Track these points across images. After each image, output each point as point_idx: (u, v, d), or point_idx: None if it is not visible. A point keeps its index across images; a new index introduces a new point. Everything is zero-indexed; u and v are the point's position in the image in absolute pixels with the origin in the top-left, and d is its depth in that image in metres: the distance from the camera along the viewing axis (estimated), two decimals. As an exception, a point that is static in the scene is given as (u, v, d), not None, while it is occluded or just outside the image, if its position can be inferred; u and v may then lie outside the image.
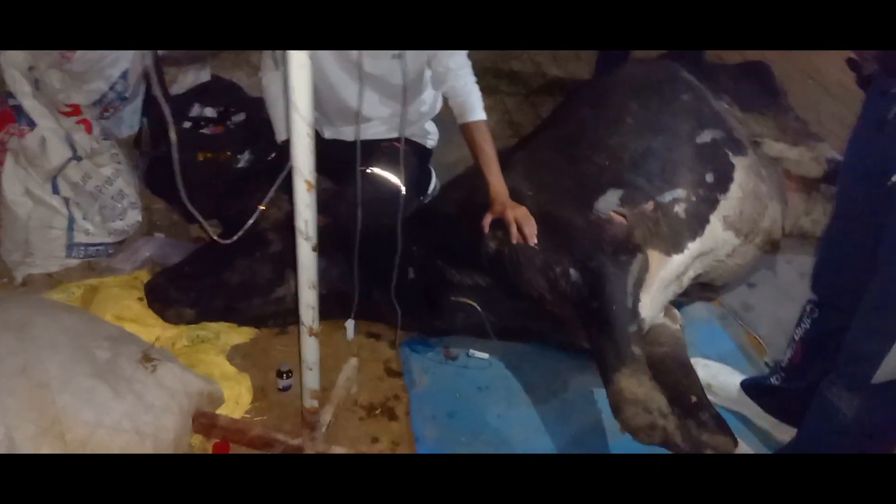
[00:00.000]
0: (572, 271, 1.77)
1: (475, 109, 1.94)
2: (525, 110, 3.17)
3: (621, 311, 1.66)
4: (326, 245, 1.75)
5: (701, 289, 2.12)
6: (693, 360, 1.85)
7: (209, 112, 2.33)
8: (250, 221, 1.45)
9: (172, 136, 1.20)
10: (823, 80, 3.56)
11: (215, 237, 1.41)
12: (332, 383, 1.70)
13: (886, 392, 1.30)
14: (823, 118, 2.94)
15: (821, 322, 1.58)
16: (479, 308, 1.85)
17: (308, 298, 1.29)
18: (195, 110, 2.31)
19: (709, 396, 1.76)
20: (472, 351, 1.89)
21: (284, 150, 1.45)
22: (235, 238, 1.42)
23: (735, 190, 2.02)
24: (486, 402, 1.79)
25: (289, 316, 1.92)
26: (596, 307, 1.68)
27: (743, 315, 2.12)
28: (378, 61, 1.93)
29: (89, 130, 2.00)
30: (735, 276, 2.15)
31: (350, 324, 1.79)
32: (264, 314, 1.90)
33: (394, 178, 1.98)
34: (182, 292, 1.85)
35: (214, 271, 1.88)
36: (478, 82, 1.97)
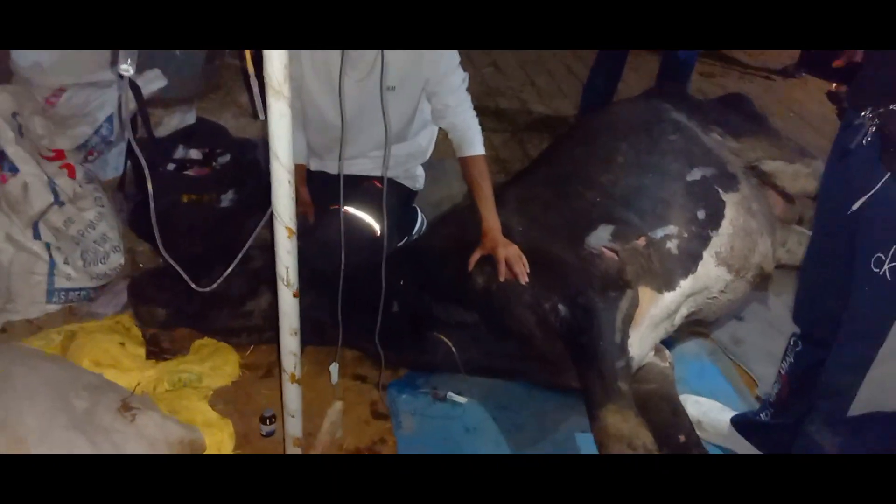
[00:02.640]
0: (561, 307, 1.76)
1: (474, 144, 1.95)
2: (512, 147, 3.19)
3: (609, 347, 1.65)
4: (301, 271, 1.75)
5: (691, 324, 2.11)
6: (683, 397, 1.83)
7: (194, 154, 2.33)
8: (229, 269, 1.43)
9: (149, 186, 1.19)
10: (804, 112, 3.62)
11: (192, 284, 1.39)
12: (317, 428, 1.67)
13: (865, 426, 1.29)
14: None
15: (804, 355, 1.57)
16: (452, 348, 1.83)
17: (290, 345, 1.27)
18: (180, 152, 2.31)
19: (699, 433, 1.75)
20: (450, 394, 1.86)
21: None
22: (214, 286, 1.40)
23: (726, 226, 2.03)
24: (475, 445, 1.75)
25: (257, 333, 1.92)
26: (584, 342, 1.67)
27: (733, 349, 2.11)
28: (371, 94, 1.94)
29: (72, 175, 2.00)
30: (727, 311, 2.14)
31: (334, 367, 1.76)
32: (232, 328, 1.92)
33: (370, 220, 1.98)
34: (158, 291, 1.90)
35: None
36: (476, 117, 1.99)
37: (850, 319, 1.31)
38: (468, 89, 2.01)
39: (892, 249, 1.19)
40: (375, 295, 1.74)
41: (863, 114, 1.24)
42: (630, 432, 1.50)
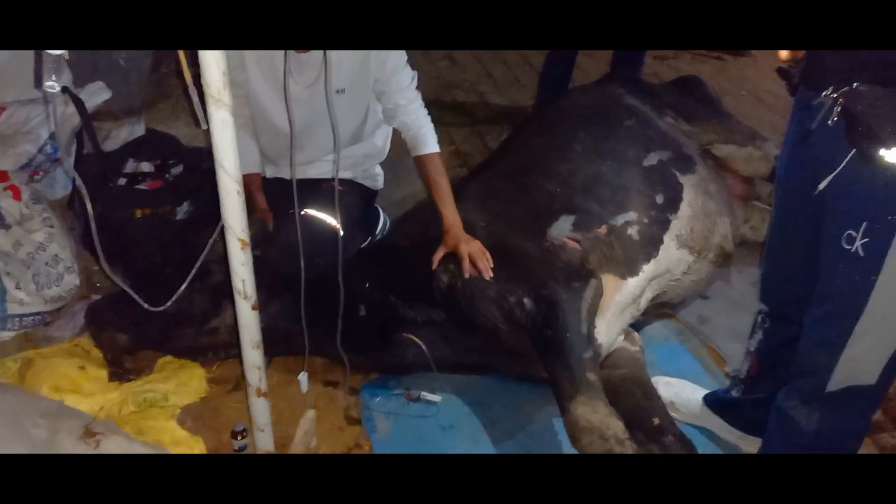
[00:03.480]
0: (526, 300, 1.76)
1: (428, 142, 1.94)
2: (472, 140, 3.18)
3: (576, 338, 1.65)
4: (264, 278, 1.72)
5: (658, 307, 2.13)
6: (655, 379, 1.84)
7: (145, 166, 2.27)
8: (182, 287, 1.39)
9: (89, 207, 1.14)
10: (756, 91, 3.67)
11: (145, 304, 1.34)
12: (290, 438, 1.64)
13: (843, 400, 1.29)
14: (759, 128, 3.02)
15: (772, 332, 1.59)
16: (423, 347, 1.81)
17: (253, 359, 1.24)
18: (130, 165, 2.25)
19: (673, 413, 1.76)
20: (423, 393, 1.84)
21: None
22: (168, 304, 1.36)
23: (685, 209, 2.05)
24: (452, 442, 1.74)
25: (224, 349, 1.88)
26: (550, 335, 1.67)
27: (700, 329, 2.13)
28: (321, 98, 1.91)
29: (17, 196, 1.93)
30: (691, 291, 2.17)
31: (303, 376, 1.73)
32: (199, 345, 1.87)
33: (331, 221, 1.95)
34: (118, 316, 1.84)
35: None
36: (427, 115, 1.97)
37: (823, 298, 1.31)
38: (419, 87, 1.98)
39: (863, 226, 1.19)
40: (344, 299, 1.72)
41: (824, 94, 1.23)
42: (600, 423, 1.50)
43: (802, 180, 1.33)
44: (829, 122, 1.23)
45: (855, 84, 1.18)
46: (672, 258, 1.99)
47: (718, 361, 2.02)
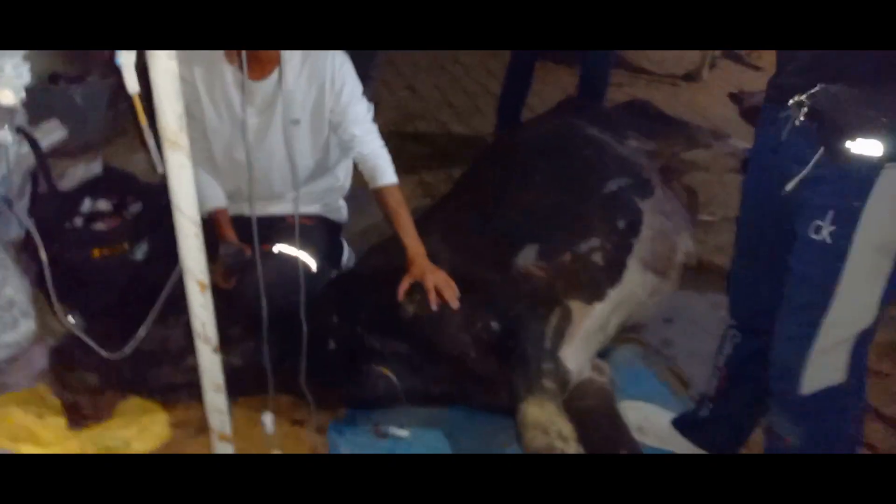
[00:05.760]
0: (493, 323, 1.78)
1: (386, 173, 1.94)
2: (435, 171, 3.20)
3: (536, 350, 1.69)
4: (238, 313, 1.69)
5: (623, 331, 2.16)
6: (622, 404, 1.85)
7: (103, 205, 2.22)
8: (140, 332, 1.35)
9: (41, 251, 1.12)
10: (708, 115, 3.78)
11: (102, 351, 1.30)
12: (256, 480, 1.60)
13: (822, 407, 1.31)
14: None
15: (742, 346, 1.61)
16: (393, 378, 1.80)
17: (215, 402, 1.21)
18: (87, 205, 2.20)
19: (641, 438, 1.78)
20: (391, 428, 1.82)
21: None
22: (126, 351, 1.32)
23: (646, 231, 2.10)
24: (422, 477, 1.72)
25: (199, 387, 1.82)
26: (512, 346, 1.69)
27: (664, 352, 2.16)
28: (276, 130, 1.90)
29: (-32, 240, 1.86)
30: (656, 313, 2.20)
31: (268, 417, 1.70)
32: (175, 384, 1.82)
33: (296, 257, 1.93)
34: (86, 355, 1.70)
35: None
36: (385, 147, 1.98)
37: (791, 292, 1.33)
38: (376, 119, 2.00)
39: (830, 214, 1.22)
40: (312, 334, 1.70)
41: (790, 102, 1.28)
42: (546, 420, 1.52)
43: (770, 190, 1.36)
44: (796, 123, 1.27)
45: (819, 85, 1.23)
46: (636, 281, 2.03)
47: (683, 384, 2.05)
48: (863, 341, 1.30)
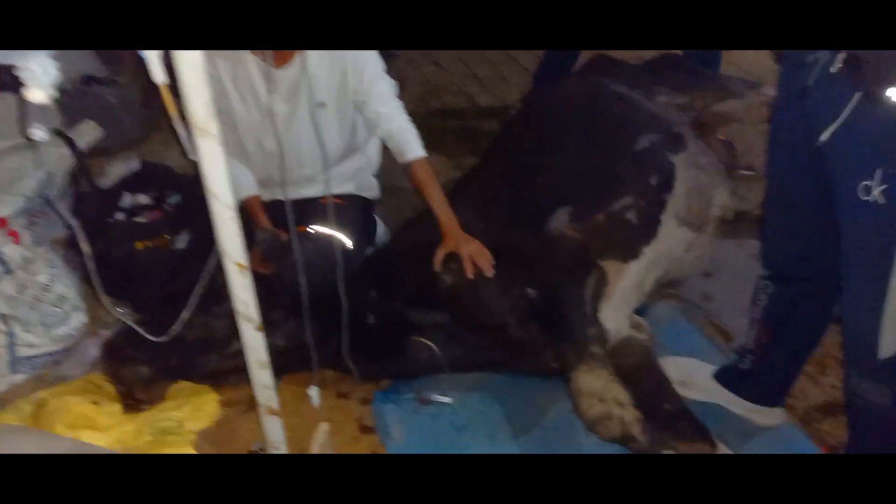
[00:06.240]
0: (530, 290, 1.78)
1: (413, 147, 1.95)
2: (464, 142, 3.19)
3: (579, 317, 1.69)
4: (280, 297, 1.74)
5: (661, 288, 2.14)
6: (664, 360, 1.85)
7: (142, 199, 2.29)
8: (184, 315, 1.40)
9: (84, 246, 1.16)
10: (738, 64, 3.67)
11: (149, 336, 1.36)
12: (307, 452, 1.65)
13: None
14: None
15: (777, 296, 1.58)
16: (435, 348, 1.82)
17: (261, 378, 1.25)
18: (127, 200, 2.27)
19: (686, 392, 1.77)
20: (434, 395, 1.85)
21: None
22: (172, 333, 1.37)
23: (679, 187, 2.06)
24: (467, 443, 1.75)
25: (246, 371, 1.88)
26: (554, 316, 1.69)
27: (705, 306, 2.13)
28: (302, 112, 1.92)
29: (18, 241, 1.95)
30: (694, 268, 2.17)
31: (314, 390, 1.75)
32: (222, 369, 1.87)
33: (340, 236, 1.97)
34: (136, 349, 1.82)
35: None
36: (411, 122, 1.98)
37: (851, 256, 1.27)
38: (402, 95, 2.00)
39: (878, 173, 1.15)
40: (352, 310, 1.73)
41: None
42: (602, 388, 1.53)
43: (800, 137, 1.31)
44: (832, 70, 1.19)
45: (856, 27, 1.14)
46: (672, 237, 2.00)
47: (725, 337, 2.03)
48: None
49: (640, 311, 1.99)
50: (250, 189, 2.06)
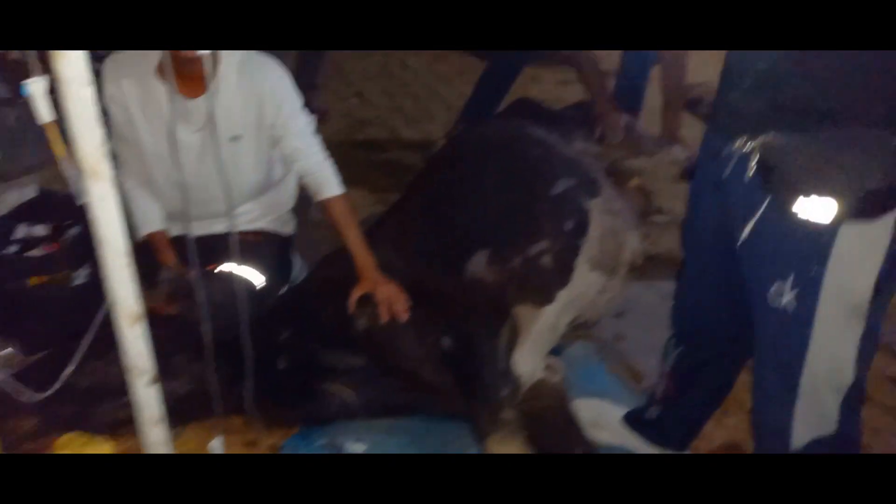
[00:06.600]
0: (445, 339, 1.76)
1: (330, 185, 1.92)
2: (386, 176, 3.19)
3: (493, 376, 1.67)
4: (184, 339, 1.65)
5: (575, 329, 2.18)
6: (576, 402, 1.87)
7: (39, 230, 2.15)
8: (68, 369, 1.30)
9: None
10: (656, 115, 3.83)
11: (30, 393, 1.25)
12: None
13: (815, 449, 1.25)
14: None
15: (686, 356, 1.62)
16: (350, 392, 1.78)
17: (155, 436, 1.17)
18: (21, 231, 2.12)
19: (597, 434, 1.79)
20: (347, 444, 1.80)
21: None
22: (50, 392, 1.28)
23: (593, 231, 2.11)
24: (381, 490, 1.70)
25: None
26: (468, 373, 1.67)
27: (616, 346, 2.18)
28: (217, 148, 1.86)
29: None
30: (606, 310, 2.22)
31: (217, 441, 1.66)
32: (119, 419, 1.73)
33: (248, 275, 1.90)
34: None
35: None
36: (333, 155, 1.95)
37: (761, 355, 1.28)
38: (323, 128, 1.98)
39: (790, 280, 1.16)
40: (262, 353, 1.67)
41: (737, 143, 1.21)
42: None
43: (716, 225, 1.33)
44: (747, 176, 1.19)
45: (770, 134, 1.16)
46: (585, 281, 2.04)
47: (636, 377, 2.08)
48: (852, 393, 1.21)
49: (555, 350, 2.01)
50: (156, 224, 1.97)
